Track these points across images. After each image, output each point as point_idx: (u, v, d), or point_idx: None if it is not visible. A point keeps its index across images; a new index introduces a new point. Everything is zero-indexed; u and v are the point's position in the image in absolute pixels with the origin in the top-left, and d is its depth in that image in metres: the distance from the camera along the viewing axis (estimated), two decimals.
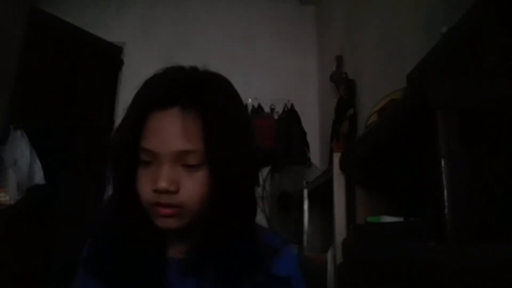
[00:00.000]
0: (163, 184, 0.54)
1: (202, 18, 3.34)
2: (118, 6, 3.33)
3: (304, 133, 2.96)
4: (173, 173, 0.55)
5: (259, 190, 2.83)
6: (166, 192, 0.54)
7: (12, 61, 2.44)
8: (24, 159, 2.31)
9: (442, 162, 0.62)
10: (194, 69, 0.62)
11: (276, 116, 3.03)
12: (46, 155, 2.43)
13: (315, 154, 2.98)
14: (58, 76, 2.70)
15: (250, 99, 2.99)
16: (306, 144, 2.94)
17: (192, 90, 0.57)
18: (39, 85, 2.58)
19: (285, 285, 0.60)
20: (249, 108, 2.97)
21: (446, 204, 0.60)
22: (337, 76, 2.39)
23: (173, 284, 0.58)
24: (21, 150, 2.31)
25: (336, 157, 1.38)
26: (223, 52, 3.09)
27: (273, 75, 3.14)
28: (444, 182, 0.61)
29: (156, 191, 0.54)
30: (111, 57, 3.13)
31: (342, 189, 1.34)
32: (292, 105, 3.02)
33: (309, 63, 3.28)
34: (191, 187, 0.55)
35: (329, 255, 1.42)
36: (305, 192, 2.12)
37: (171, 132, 0.55)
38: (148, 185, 0.56)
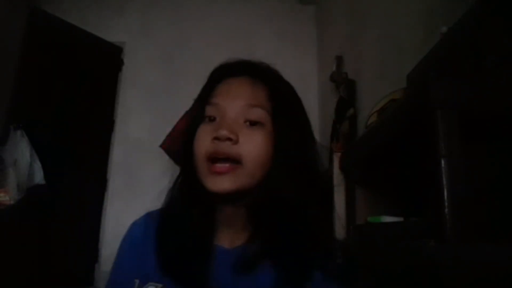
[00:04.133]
0: (224, 131, 0.54)
1: (202, 18, 3.33)
2: (118, 6, 3.33)
3: None
4: (235, 126, 0.55)
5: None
6: (226, 140, 0.54)
7: (12, 61, 2.44)
8: (24, 159, 2.31)
9: (442, 162, 0.62)
10: None
11: None
12: (46, 155, 2.43)
13: None
14: (58, 76, 2.70)
15: None
16: None
17: (261, 67, 0.63)
18: (39, 85, 2.58)
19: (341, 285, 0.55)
20: None
21: (446, 204, 0.60)
22: (337, 76, 2.38)
23: (221, 277, 0.54)
24: (21, 150, 2.31)
25: (336, 157, 1.38)
26: (223, 52, 3.08)
27: None
28: (444, 182, 0.61)
29: (216, 138, 0.54)
30: (111, 57, 3.13)
31: (342, 189, 1.34)
32: None
33: (309, 63, 3.28)
34: (251, 142, 0.55)
35: None
36: None
37: (239, 90, 0.59)
38: (207, 136, 0.56)
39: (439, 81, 0.66)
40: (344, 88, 2.24)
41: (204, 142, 0.56)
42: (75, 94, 2.79)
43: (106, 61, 3.11)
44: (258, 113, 0.57)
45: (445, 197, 0.60)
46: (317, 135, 2.77)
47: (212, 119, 0.58)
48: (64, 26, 2.80)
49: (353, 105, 2.12)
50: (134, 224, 0.64)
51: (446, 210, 0.60)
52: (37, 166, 2.37)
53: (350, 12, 2.39)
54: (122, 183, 2.95)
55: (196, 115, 0.60)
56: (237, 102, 0.57)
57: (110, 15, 3.29)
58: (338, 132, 2.24)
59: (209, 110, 0.59)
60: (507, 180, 0.69)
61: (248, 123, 0.56)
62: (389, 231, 0.92)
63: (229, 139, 0.54)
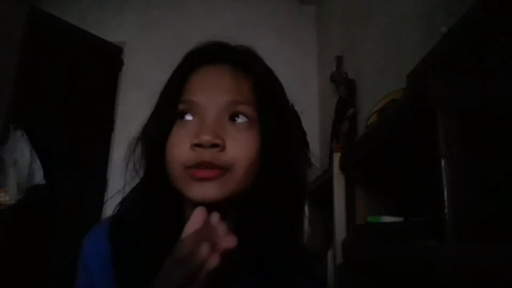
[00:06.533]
0: (207, 136, 0.45)
1: (202, 18, 3.33)
2: (118, 6, 3.33)
3: (304, 133, 2.96)
4: (219, 127, 0.47)
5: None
6: (210, 146, 0.45)
7: (12, 61, 2.44)
8: (24, 159, 2.31)
9: (442, 162, 0.62)
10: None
11: None
12: (46, 155, 2.43)
13: (315, 154, 2.98)
14: (58, 76, 2.70)
15: None
16: (306, 144, 2.94)
17: (242, 52, 0.56)
18: (39, 85, 2.57)
19: None
20: None
21: (446, 204, 0.60)
22: (337, 76, 2.38)
23: None
24: (21, 150, 2.31)
25: (336, 157, 1.38)
26: None
27: None
28: (444, 182, 0.61)
29: (197, 145, 0.45)
30: (111, 57, 3.13)
31: (342, 189, 1.34)
32: (292, 105, 3.00)
33: (309, 63, 3.28)
34: (241, 146, 0.47)
35: (329, 255, 1.42)
36: None
37: (220, 84, 0.50)
38: (186, 141, 0.47)
39: (439, 81, 0.66)
40: (344, 88, 2.24)
41: (181, 149, 0.47)
42: (75, 94, 2.79)
43: (106, 61, 3.11)
44: (245, 111, 0.49)
45: (445, 197, 0.60)
46: (317, 135, 2.78)
47: (188, 119, 0.49)
48: (64, 26, 2.80)
49: (353, 105, 2.12)
50: (85, 243, 0.55)
51: (446, 210, 0.60)
52: (37, 166, 2.36)
53: (350, 12, 2.39)
54: (122, 183, 2.95)
55: (166, 113, 0.51)
56: (219, 99, 0.48)
57: (110, 15, 3.29)
58: (338, 132, 2.24)
59: (184, 108, 0.50)
60: (507, 180, 0.69)
61: (233, 122, 0.49)
62: (389, 231, 0.92)
63: (214, 145, 0.45)
